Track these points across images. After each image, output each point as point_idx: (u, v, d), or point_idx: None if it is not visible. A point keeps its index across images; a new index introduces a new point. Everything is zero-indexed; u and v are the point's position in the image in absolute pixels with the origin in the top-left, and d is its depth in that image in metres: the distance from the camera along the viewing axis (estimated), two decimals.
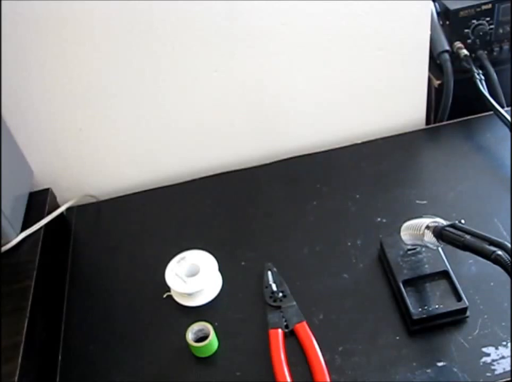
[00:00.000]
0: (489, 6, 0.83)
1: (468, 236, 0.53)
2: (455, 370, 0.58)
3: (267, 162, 0.89)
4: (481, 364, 0.58)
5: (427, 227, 0.59)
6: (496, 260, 0.50)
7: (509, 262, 0.49)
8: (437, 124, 0.91)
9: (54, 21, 0.70)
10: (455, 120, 0.90)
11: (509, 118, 0.81)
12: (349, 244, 0.73)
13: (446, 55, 0.86)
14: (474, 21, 0.84)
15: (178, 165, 0.90)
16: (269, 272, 0.70)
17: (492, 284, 0.65)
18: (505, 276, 0.49)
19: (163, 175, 0.91)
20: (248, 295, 0.69)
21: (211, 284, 0.70)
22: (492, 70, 0.86)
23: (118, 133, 0.84)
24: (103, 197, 0.88)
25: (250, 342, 0.64)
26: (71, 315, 0.71)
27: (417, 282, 0.64)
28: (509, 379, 0.56)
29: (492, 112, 0.85)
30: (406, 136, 0.90)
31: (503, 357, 0.58)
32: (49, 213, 0.79)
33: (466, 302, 0.61)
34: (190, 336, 0.62)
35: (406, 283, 0.64)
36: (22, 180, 0.80)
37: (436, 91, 0.89)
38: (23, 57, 0.73)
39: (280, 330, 0.63)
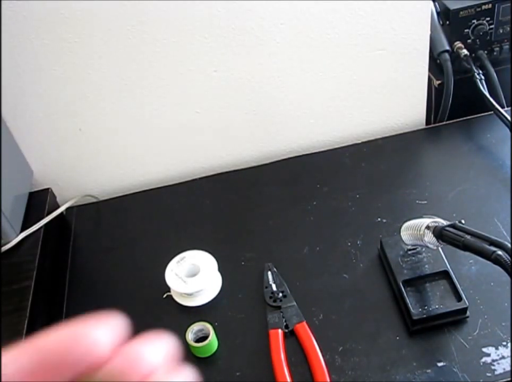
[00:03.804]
0: (489, 6, 0.83)
1: (468, 236, 0.53)
2: (455, 370, 0.58)
3: (267, 162, 0.89)
4: (481, 364, 0.58)
5: (427, 227, 0.59)
6: (496, 260, 0.50)
7: (509, 262, 0.49)
8: (437, 124, 0.91)
9: (54, 21, 0.70)
10: (455, 120, 0.90)
11: (509, 117, 0.81)
12: (349, 244, 0.73)
13: (446, 55, 0.86)
14: (474, 21, 0.84)
15: (178, 165, 0.90)
16: (269, 272, 0.70)
17: (492, 284, 0.65)
18: (505, 276, 0.49)
19: (163, 175, 0.91)
20: (248, 295, 0.69)
21: (211, 284, 0.70)
22: (492, 70, 0.86)
23: (117, 133, 0.84)
24: (103, 197, 0.88)
25: (250, 342, 0.64)
26: (71, 315, 0.71)
27: (417, 282, 0.64)
28: (509, 379, 0.56)
29: (492, 112, 0.85)
30: (406, 136, 0.90)
31: (503, 357, 0.58)
32: (49, 213, 0.79)
33: (466, 302, 0.61)
34: (190, 336, 0.62)
35: (406, 283, 0.64)
36: (22, 180, 0.80)
37: (436, 91, 0.89)
38: (22, 57, 0.73)
39: (280, 330, 0.63)
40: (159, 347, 0.24)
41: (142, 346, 0.23)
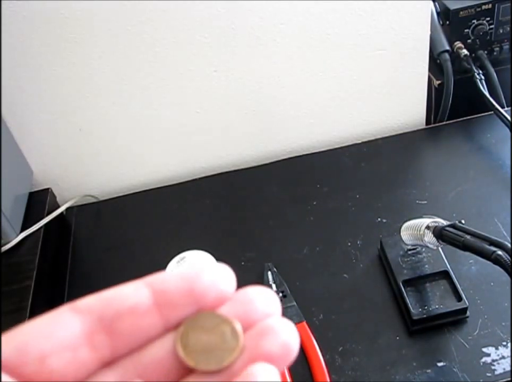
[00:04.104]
0: (489, 6, 0.83)
1: (468, 236, 0.53)
2: (455, 370, 0.58)
3: (267, 162, 0.89)
4: (481, 364, 0.58)
5: (427, 227, 0.59)
6: (496, 260, 0.50)
7: (509, 262, 0.49)
8: (437, 124, 0.91)
9: (54, 21, 0.70)
10: (455, 120, 0.90)
11: (509, 117, 0.81)
12: (349, 244, 0.73)
13: (446, 55, 0.86)
14: (474, 21, 0.84)
15: (178, 165, 0.90)
16: (269, 272, 0.70)
17: (492, 284, 0.65)
18: (505, 276, 0.49)
19: (163, 175, 0.91)
20: None
21: None
22: (492, 70, 0.86)
23: (117, 133, 0.84)
24: (103, 197, 0.88)
25: None
26: None
27: (417, 282, 0.64)
28: (509, 379, 0.56)
29: (492, 112, 0.85)
30: (406, 136, 0.90)
31: (503, 357, 0.58)
32: (49, 213, 0.79)
33: (466, 302, 0.61)
34: None
35: (406, 283, 0.64)
36: (22, 180, 0.80)
37: (436, 91, 0.89)
38: (22, 57, 0.73)
39: None
40: (271, 298, 0.22)
41: (257, 292, 0.22)
